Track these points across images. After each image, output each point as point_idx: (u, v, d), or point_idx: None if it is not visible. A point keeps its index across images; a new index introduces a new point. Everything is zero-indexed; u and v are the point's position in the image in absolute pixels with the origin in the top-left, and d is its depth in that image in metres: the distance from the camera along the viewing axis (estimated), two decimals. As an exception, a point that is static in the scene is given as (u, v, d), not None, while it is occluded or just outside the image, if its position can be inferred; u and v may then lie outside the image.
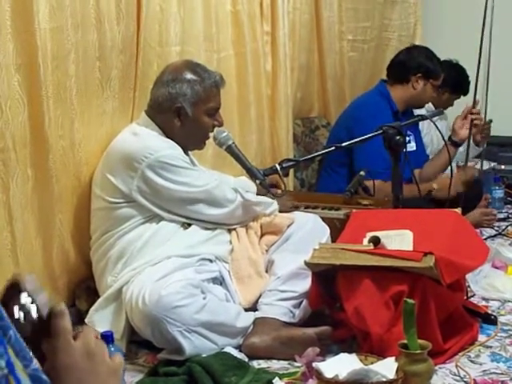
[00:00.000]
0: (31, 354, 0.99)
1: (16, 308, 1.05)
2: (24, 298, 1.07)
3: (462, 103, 4.42)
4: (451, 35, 5.75)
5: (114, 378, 1.15)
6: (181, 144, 3.10)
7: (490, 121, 4.49)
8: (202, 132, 3.15)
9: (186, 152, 3.15)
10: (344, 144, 3.34)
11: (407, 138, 4.41)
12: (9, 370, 0.89)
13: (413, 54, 4.43)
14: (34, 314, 1.07)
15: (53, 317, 1.10)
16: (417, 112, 4.48)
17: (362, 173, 3.84)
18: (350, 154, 4.21)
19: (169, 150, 3.03)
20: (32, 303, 1.08)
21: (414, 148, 4.55)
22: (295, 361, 2.64)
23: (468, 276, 3.13)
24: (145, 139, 3.04)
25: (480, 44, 4.08)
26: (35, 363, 0.98)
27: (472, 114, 4.31)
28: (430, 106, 4.90)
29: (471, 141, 4.39)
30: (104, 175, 3.03)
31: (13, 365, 0.91)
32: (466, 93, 4.92)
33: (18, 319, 1.04)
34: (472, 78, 4.18)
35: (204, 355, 2.69)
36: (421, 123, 4.53)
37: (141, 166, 2.96)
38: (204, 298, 2.78)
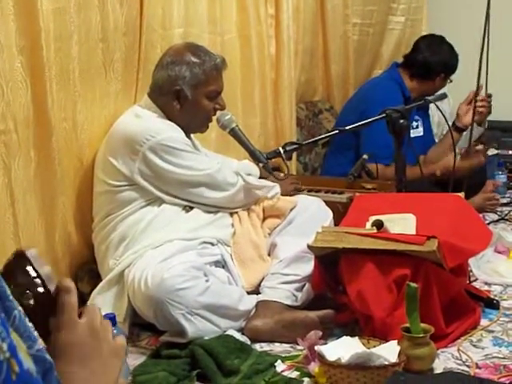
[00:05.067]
0: (36, 333, 0.98)
1: (21, 277, 1.04)
2: (29, 269, 1.07)
3: (465, 89, 4.40)
4: (455, 18, 5.72)
5: (116, 359, 1.15)
6: (182, 127, 3.09)
7: (490, 95, 4.49)
8: (202, 115, 3.13)
9: (188, 135, 3.14)
10: (348, 127, 3.33)
11: (415, 123, 4.43)
12: (11, 354, 0.89)
13: (439, 55, 4.45)
14: (40, 287, 1.07)
15: (60, 291, 1.10)
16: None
17: (365, 156, 3.85)
18: (358, 138, 4.22)
19: (170, 132, 3.03)
20: (37, 275, 1.07)
21: (422, 133, 4.55)
22: (297, 344, 2.64)
23: (470, 260, 3.13)
24: (146, 122, 3.04)
25: (484, 28, 4.05)
26: (40, 343, 0.98)
27: (477, 101, 4.30)
28: None
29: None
30: (106, 158, 3.03)
31: (15, 348, 0.90)
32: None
33: (24, 290, 1.04)
34: (475, 63, 4.16)
35: (206, 338, 2.69)
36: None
37: (142, 149, 2.95)
38: (207, 281, 2.78)
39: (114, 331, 2.43)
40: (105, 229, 3.07)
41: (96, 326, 1.13)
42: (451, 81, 4.48)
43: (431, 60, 4.43)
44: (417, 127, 4.51)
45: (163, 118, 3.08)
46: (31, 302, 1.04)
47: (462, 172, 4.02)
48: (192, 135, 3.23)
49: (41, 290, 1.07)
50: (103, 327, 1.14)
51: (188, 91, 3.06)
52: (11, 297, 0.95)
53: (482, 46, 4.02)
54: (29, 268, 1.07)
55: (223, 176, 3.11)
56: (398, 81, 4.42)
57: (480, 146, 4.49)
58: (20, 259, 1.08)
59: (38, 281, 1.07)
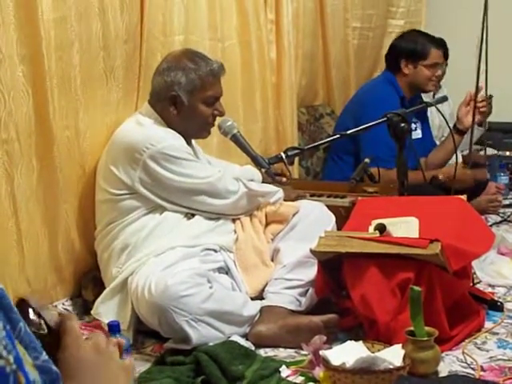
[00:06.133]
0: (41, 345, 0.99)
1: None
2: (32, 314, 1.08)
3: (465, 91, 4.40)
4: (454, 20, 5.74)
5: (124, 376, 1.15)
6: (181, 133, 3.09)
7: (491, 96, 4.48)
8: (199, 121, 3.12)
9: (188, 142, 3.14)
10: (349, 132, 3.34)
11: (413, 126, 4.41)
12: (17, 366, 0.89)
13: (397, 42, 4.48)
14: (44, 328, 1.08)
15: (62, 320, 1.10)
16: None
17: (366, 160, 3.84)
18: (357, 142, 4.22)
19: (171, 140, 3.03)
20: (40, 318, 1.08)
21: (420, 136, 4.55)
22: (302, 349, 2.64)
23: (474, 263, 3.13)
24: (147, 130, 3.04)
25: (482, 29, 4.05)
26: (45, 354, 0.98)
27: (476, 101, 4.30)
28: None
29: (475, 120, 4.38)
30: (107, 166, 3.03)
31: (21, 360, 0.91)
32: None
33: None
34: (474, 64, 4.15)
35: (211, 344, 2.69)
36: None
37: (142, 157, 2.95)
38: (210, 288, 2.78)
39: (119, 338, 2.44)
40: (107, 237, 3.07)
41: (102, 347, 1.13)
42: (440, 75, 4.44)
43: (390, 48, 4.49)
44: (415, 129, 4.50)
45: (163, 124, 3.08)
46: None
47: (465, 182, 4.03)
48: (194, 142, 3.23)
49: (44, 331, 1.08)
50: (110, 348, 1.14)
51: (184, 97, 3.06)
52: (15, 309, 0.95)
53: (480, 48, 4.02)
54: (30, 311, 1.08)
55: (224, 184, 3.11)
56: (391, 82, 4.42)
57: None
58: (22, 305, 1.09)
59: (41, 322, 1.08)
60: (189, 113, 3.08)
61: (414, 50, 4.35)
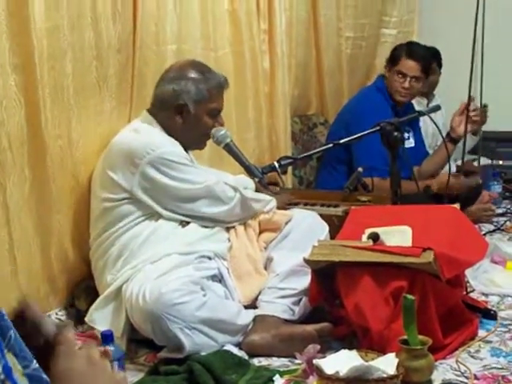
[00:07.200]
0: (30, 354, 0.98)
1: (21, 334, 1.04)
2: (29, 323, 1.07)
3: (458, 100, 4.40)
4: (446, 30, 5.76)
5: None
6: (181, 142, 3.10)
7: (486, 105, 4.48)
8: (202, 131, 3.15)
9: (186, 151, 3.15)
10: (342, 141, 3.34)
11: (406, 135, 4.42)
12: (5, 375, 0.89)
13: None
14: (41, 339, 1.07)
15: (57, 330, 1.10)
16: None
17: (360, 169, 3.84)
18: (349, 151, 4.23)
19: (170, 146, 3.04)
20: (37, 328, 1.07)
21: (413, 144, 4.56)
22: (295, 358, 2.64)
23: (467, 271, 3.13)
24: (146, 136, 3.04)
25: (473, 38, 4.06)
26: (35, 363, 0.97)
27: (469, 111, 4.30)
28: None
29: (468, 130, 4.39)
30: (105, 172, 3.03)
31: (10, 369, 0.90)
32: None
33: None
34: (467, 74, 4.16)
35: (204, 353, 2.69)
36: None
37: (142, 162, 2.96)
38: (204, 295, 2.77)
39: (111, 348, 2.43)
40: (103, 244, 3.06)
41: (94, 357, 1.12)
42: (409, 88, 4.42)
43: None
44: (408, 138, 4.51)
45: (163, 132, 3.09)
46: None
47: (458, 189, 4.04)
48: (189, 151, 3.23)
49: (40, 343, 1.07)
50: (102, 360, 1.14)
51: (191, 106, 3.07)
52: (6, 316, 0.95)
53: (472, 57, 4.04)
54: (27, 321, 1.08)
55: (222, 188, 3.12)
56: (382, 90, 4.44)
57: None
58: (18, 316, 1.08)
59: (36, 334, 1.08)
60: (193, 123, 3.10)
61: (392, 54, 4.45)
